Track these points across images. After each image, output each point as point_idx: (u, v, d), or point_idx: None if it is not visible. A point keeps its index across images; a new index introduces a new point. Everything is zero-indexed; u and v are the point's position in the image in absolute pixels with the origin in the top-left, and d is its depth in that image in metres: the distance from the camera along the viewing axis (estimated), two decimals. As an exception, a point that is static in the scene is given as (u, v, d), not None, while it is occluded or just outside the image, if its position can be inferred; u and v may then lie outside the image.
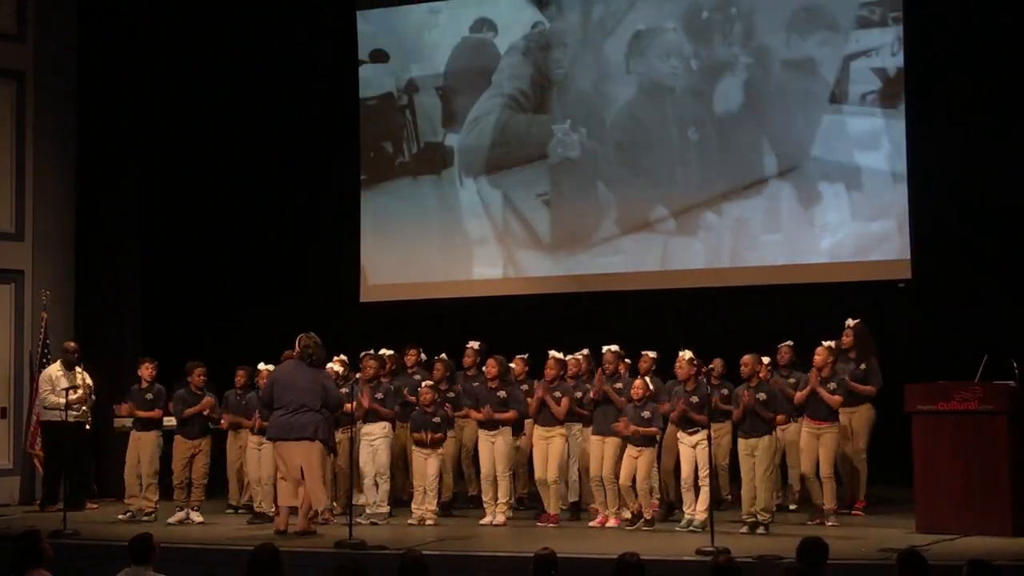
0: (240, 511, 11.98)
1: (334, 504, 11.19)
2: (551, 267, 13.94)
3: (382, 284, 14.65)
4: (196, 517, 11.40)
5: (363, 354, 11.69)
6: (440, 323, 13.61)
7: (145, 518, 11.37)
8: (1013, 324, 11.22)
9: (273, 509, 11.02)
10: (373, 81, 14.91)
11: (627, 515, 10.53)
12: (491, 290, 14.09)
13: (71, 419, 12.17)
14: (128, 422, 11.98)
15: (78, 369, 12.65)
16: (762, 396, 9.97)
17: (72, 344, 12.86)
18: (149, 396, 11.65)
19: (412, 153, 14.66)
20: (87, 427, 12.56)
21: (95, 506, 12.60)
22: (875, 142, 12.52)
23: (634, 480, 10.39)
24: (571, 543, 9.42)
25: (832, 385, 10.32)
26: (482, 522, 10.89)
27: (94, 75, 14.40)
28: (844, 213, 12.67)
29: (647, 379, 10.57)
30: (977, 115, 12.05)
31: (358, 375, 11.38)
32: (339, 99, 14.93)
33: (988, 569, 6.03)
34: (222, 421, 11.89)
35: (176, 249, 14.87)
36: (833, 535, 9.30)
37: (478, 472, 11.53)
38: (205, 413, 11.62)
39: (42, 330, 13.42)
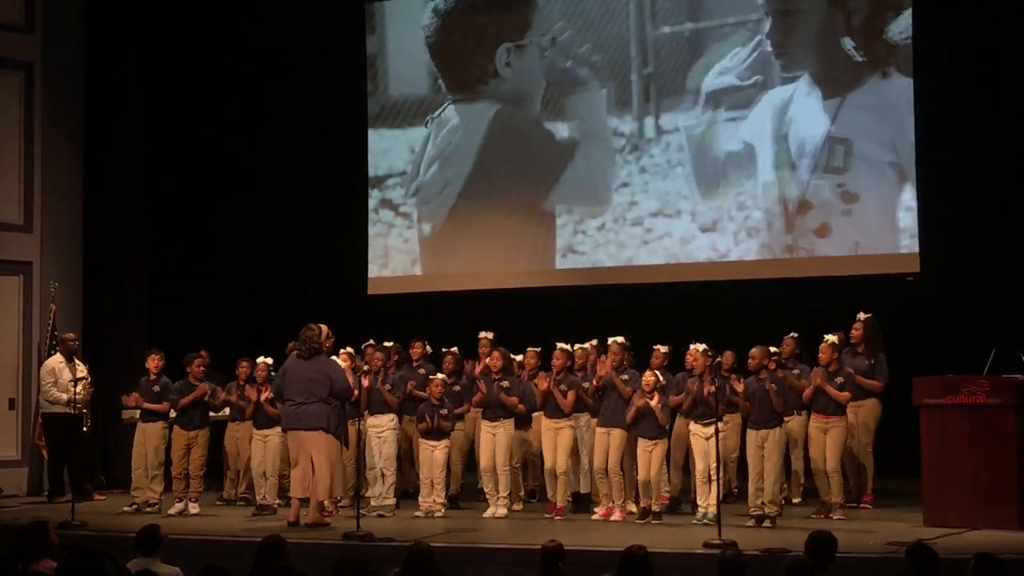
0: (239, 503, 11.96)
1: (340, 496, 11.22)
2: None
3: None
4: (193, 508, 11.40)
5: (365, 345, 11.69)
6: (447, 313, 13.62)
7: (148, 508, 11.41)
8: (1021, 317, 11.19)
9: (277, 501, 11.28)
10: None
11: (632, 508, 10.53)
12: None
13: (76, 411, 12.20)
14: (136, 413, 12.02)
15: (78, 361, 12.72)
16: (772, 387, 9.96)
17: (71, 334, 12.94)
18: (156, 388, 11.66)
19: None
20: (86, 425, 12.59)
21: (102, 497, 12.62)
22: (885, 134, 12.46)
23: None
24: (578, 536, 9.42)
25: (839, 379, 10.30)
26: (485, 514, 10.89)
27: (102, 67, 14.42)
28: (853, 206, 12.61)
29: (657, 372, 10.56)
30: (987, 108, 12.02)
31: (366, 367, 11.37)
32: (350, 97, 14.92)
33: (995, 563, 6.00)
34: (225, 408, 11.89)
35: (183, 241, 14.89)
36: (841, 529, 9.30)
37: None
38: (205, 399, 11.59)
39: (50, 322, 13.45)
